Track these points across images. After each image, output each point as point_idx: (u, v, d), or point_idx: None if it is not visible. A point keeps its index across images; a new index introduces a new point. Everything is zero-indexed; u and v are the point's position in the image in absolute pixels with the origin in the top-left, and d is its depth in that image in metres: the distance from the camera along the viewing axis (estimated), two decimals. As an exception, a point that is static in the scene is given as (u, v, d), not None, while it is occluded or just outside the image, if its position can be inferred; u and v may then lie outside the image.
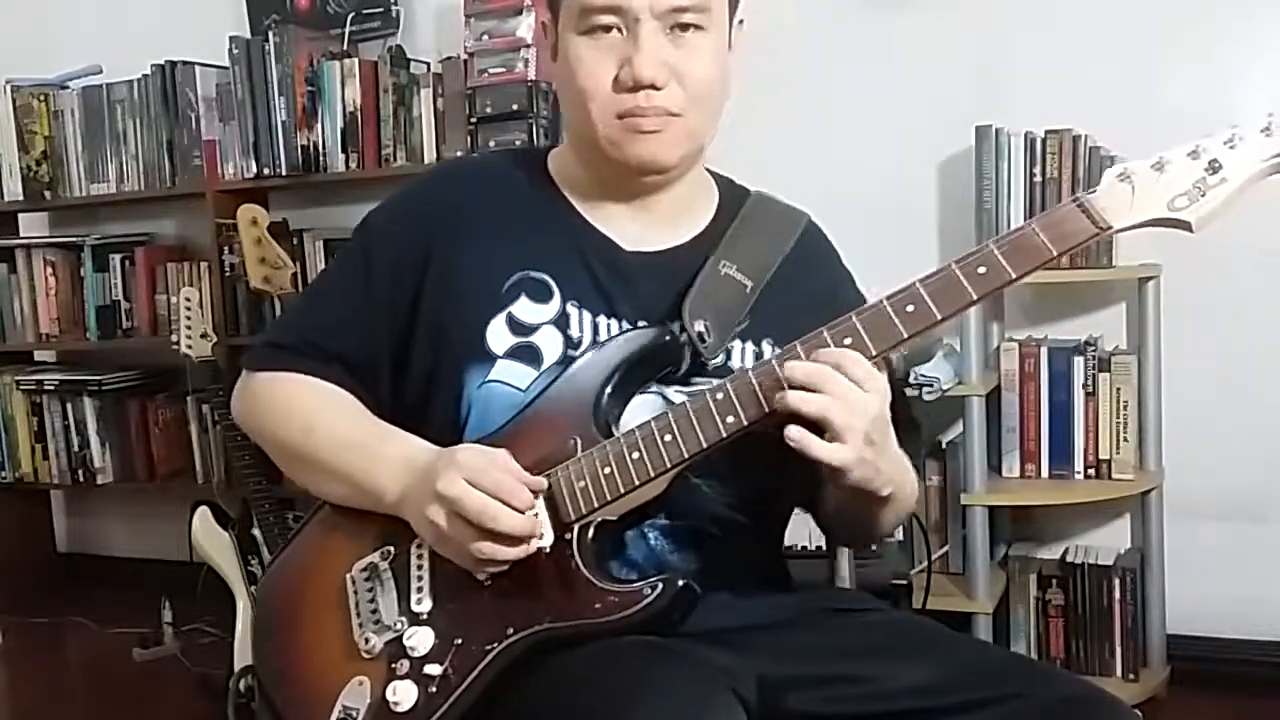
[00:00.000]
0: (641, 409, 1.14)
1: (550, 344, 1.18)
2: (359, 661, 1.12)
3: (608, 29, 1.14)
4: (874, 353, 1.05)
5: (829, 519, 1.26)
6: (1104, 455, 2.40)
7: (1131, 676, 2.41)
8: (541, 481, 1.08)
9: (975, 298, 1.04)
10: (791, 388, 1.02)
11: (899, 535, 2.43)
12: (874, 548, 2.09)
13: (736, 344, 1.20)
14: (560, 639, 1.05)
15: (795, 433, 1.01)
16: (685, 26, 1.15)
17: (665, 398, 1.16)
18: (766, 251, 1.25)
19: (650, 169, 1.19)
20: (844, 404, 1.01)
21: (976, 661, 1.11)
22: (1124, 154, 2.35)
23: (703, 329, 1.17)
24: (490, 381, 1.17)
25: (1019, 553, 2.54)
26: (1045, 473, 2.44)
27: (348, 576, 1.16)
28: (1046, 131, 2.39)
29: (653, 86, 1.13)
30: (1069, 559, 2.47)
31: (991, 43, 2.57)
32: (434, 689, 1.07)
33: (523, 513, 1.05)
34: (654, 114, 1.15)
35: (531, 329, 1.18)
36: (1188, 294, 2.42)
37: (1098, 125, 2.40)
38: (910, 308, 1.04)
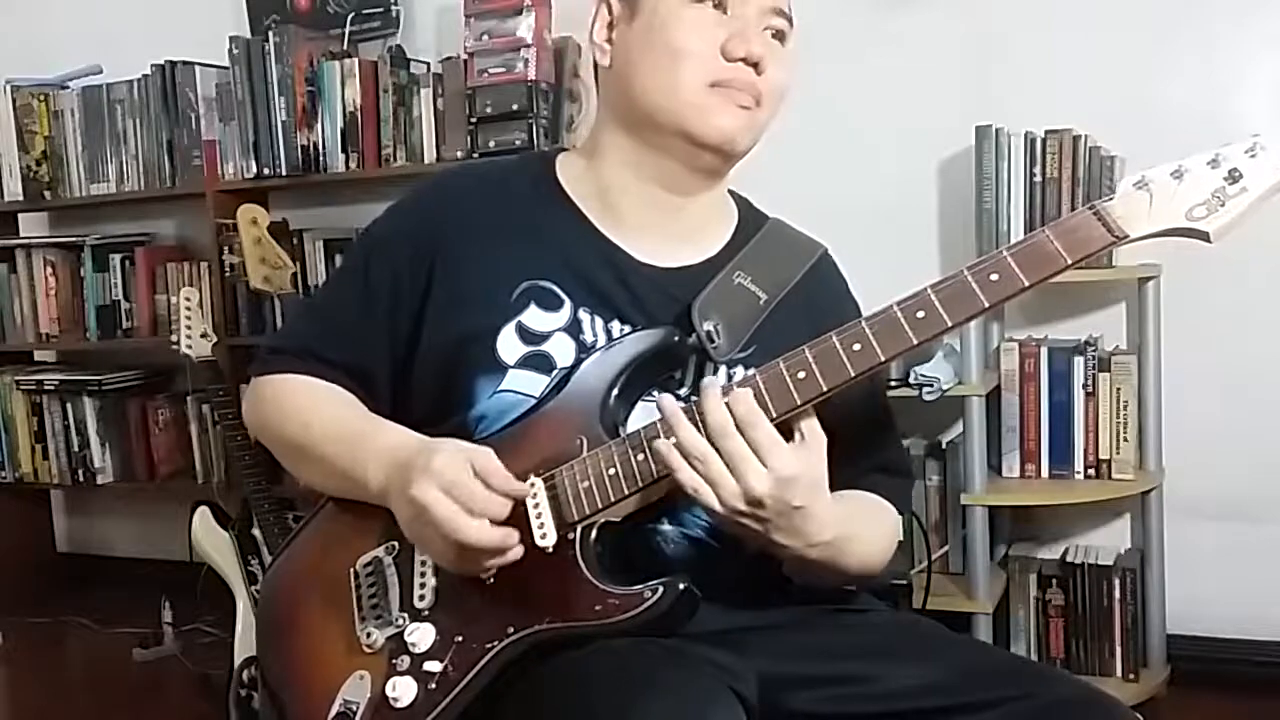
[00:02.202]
0: (647, 417, 1.12)
1: (563, 351, 1.17)
2: (360, 656, 1.12)
3: (716, 4, 1.16)
4: (883, 358, 1.04)
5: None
6: (1104, 455, 2.40)
7: (1131, 677, 2.41)
8: (522, 488, 1.07)
9: (987, 305, 1.03)
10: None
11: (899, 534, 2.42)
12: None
13: (739, 370, 1.19)
14: (560, 639, 1.04)
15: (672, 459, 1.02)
16: (777, 34, 1.19)
17: None
18: (783, 271, 1.24)
19: (725, 146, 1.18)
20: (728, 463, 1.01)
21: (976, 662, 1.11)
22: (1124, 154, 2.36)
23: (712, 329, 1.16)
24: (502, 391, 1.16)
25: (1019, 553, 2.54)
26: (1045, 473, 2.44)
27: (351, 570, 1.16)
28: (1046, 131, 2.39)
29: (756, 67, 1.15)
30: (1069, 559, 2.47)
31: (991, 43, 2.57)
32: (433, 685, 1.07)
33: (500, 522, 1.05)
34: (749, 90, 1.16)
35: (543, 337, 1.17)
36: (1188, 294, 2.42)
37: (1098, 125, 2.39)
38: (921, 314, 1.03)
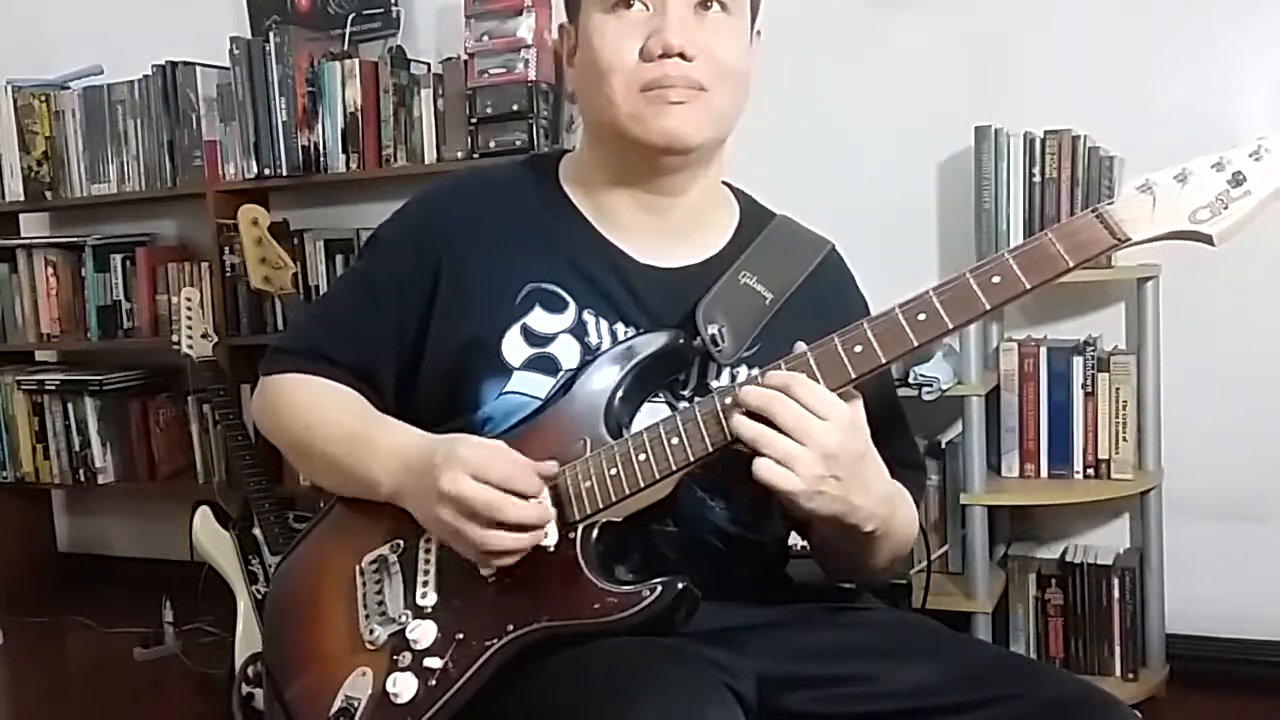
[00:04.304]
0: (652, 419, 1.12)
1: (568, 353, 1.17)
2: (363, 652, 1.13)
3: (630, 3, 1.14)
4: (884, 359, 1.04)
5: (817, 548, 1.25)
6: (1103, 455, 2.40)
7: (1130, 676, 2.41)
8: (551, 466, 1.08)
9: (988, 307, 1.03)
10: (748, 412, 1.02)
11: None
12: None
13: (743, 370, 1.19)
14: (559, 637, 1.05)
15: (748, 432, 1.02)
16: (709, 3, 1.15)
17: (675, 409, 1.16)
18: (789, 269, 1.24)
19: (675, 145, 1.16)
20: (793, 432, 1.01)
21: (976, 661, 1.11)
22: (1123, 154, 2.37)
23: (716, 333, 1.17)
24: (508, 393, 1.17)
25: (1018, 552, 2.54)
26: (1044, 472, 2.44)
27: (357, 568, 1.17)
28: (1046, 132, 2.39)
29: (681, 55, 1.12)
30: (1068, 559, 2.47)
31: (991, 43, 2.58)
32: (433, 682, 1.08)
33: (533, 498, 1.06)
34: (682, 84, 1.13)
35: (548, 339, 1.18)
36: (1187, 294, 2.42)
37: (1097, 125, 2.40)
38: (922, 316, 1.04)
